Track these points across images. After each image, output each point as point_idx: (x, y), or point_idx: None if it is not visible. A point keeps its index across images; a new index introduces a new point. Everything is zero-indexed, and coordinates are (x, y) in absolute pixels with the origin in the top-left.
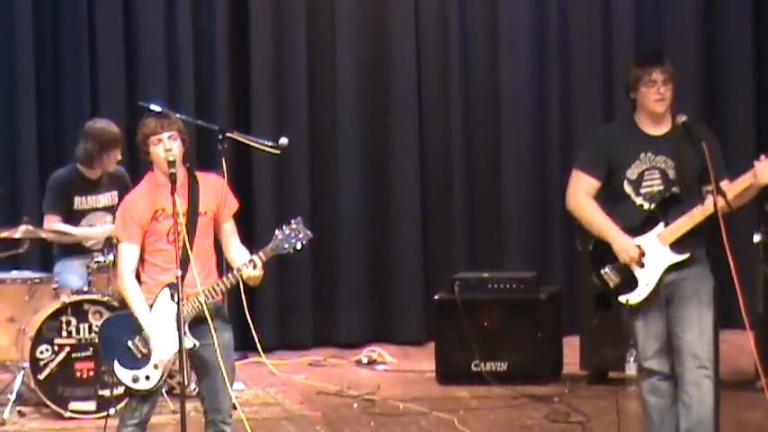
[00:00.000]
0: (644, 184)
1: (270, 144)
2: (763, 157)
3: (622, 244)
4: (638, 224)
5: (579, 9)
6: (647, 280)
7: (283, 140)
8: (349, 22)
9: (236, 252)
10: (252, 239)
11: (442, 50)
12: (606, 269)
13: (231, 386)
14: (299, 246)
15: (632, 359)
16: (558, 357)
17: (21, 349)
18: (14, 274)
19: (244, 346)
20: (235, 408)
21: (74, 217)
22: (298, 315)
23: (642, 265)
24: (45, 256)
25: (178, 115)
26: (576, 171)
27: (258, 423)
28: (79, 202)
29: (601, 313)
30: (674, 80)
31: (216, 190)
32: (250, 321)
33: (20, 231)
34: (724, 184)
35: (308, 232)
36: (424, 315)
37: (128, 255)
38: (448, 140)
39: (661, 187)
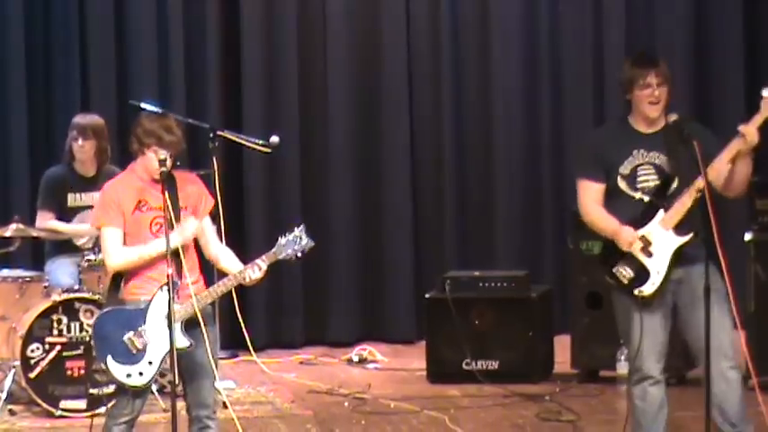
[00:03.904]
0: (639, 179)
1: (261, 142)
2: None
3: (624, 234)
4: (639, 217)
5: (570, 11)
6: (657, 268)
7: (274, 139)
8: (340, 21)
9: (220, 251)
10: (243, 238)
11: (434, 51)
12: (618, 267)
13: (216, 381)
14: (299, 253)
15: (623, 358)
16: (549, 356)
17: (11, 348)
18: (5, 272)
19: (235, 344)
20: (226, 406)
21: (67, 214)
22: (289, 314)
23: (650, 255)
24: (36, 254)
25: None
26: (579, 180)
27: (249, 422)
28: (73, 199)
29: (592, 312)
30: (669, 82)
31: (192, 186)
32: (241, 320)
33: (10, 230)
34: (716, 163)
35: (311, 240)
36: (415, 314)
37: (112, 237)
38: (439, 140)
39: (657, 181)
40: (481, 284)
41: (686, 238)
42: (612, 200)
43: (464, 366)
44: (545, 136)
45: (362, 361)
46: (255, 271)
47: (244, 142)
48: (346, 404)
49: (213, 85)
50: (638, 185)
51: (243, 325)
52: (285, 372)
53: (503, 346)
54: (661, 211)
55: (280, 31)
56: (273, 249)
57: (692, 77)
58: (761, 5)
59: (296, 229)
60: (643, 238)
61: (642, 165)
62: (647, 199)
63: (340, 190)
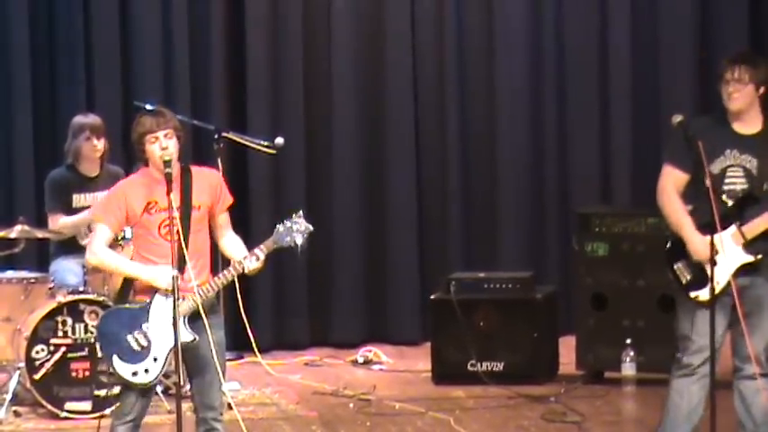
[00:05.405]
0: (726, 181)
1: (266, 144)
2: None
3: (696, 243)
4: (716, 221)
5: (575, 14)
6: (718, 278)
7: (279, 140)
8: (345, 22)
9: (230, 241)
10: (247, 240)
11: (439, 52)
12: (679, 264)
13: (222, 384)
14: (299, 239)
15: (628, 359)
16: (554, 357)
17: (16, 349)
18: (10, 273)
19: (240, 346)
20: (230, 407)
21: (73, 215)
22: (294, 315)
23: (714, 263)
24: (41, 255)
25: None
26: (666, 164)
27: (254, 423)
28: (77, 200)
29: (596, 313)
30: (753, 80)
31: (210, 184)
32: (246, 321)
33: (16, 231)
34: (746, 227)
35: (309, 226)
36: (420, 315)
37: (101, 235)
38: (444, 141)
39: (745, 186)
40: (486, 286)
41: (752, 259)
42: (697, 197)
43: (469, 367)
44: (550, 138)
45: (367, 362)
46: (253, 261)
47: (248, 143)
48: (351, 405)
49: (218, 86)
50: (725, 187)
51: (248, 326)
52: (290, 373)
53: (508, 347)
54: (734, 226)
55: (284, 31)
56: (272, 237)
57: (696, 78)
58: (766, 6)
59: (294, 215)
60: (712, 245)
61: (732, 166)
62: (730, 203)
63: (345, 191)
